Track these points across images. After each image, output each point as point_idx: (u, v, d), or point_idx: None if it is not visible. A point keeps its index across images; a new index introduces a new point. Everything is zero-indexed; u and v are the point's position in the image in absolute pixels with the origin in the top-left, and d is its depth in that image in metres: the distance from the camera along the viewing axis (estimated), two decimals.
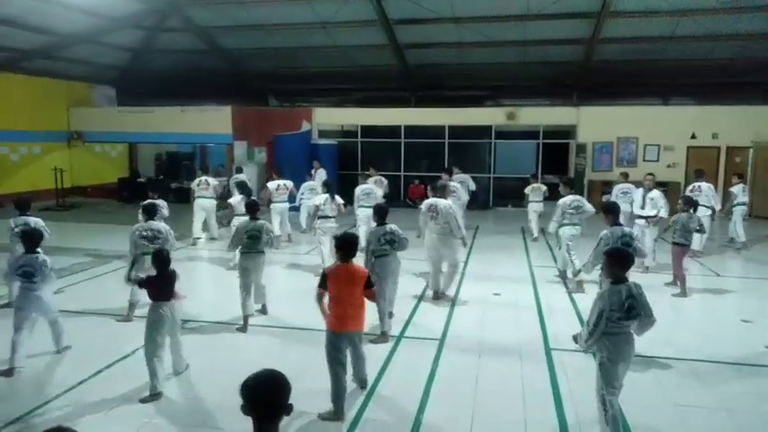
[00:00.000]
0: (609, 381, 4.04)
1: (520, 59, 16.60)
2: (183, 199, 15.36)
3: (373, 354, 5.83)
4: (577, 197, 8.90)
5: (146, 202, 8.04)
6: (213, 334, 6.65)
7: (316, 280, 8.53)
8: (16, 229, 6.96)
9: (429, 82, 18.61)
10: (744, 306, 7.74)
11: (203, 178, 11.88)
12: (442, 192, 8.31)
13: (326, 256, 9.37)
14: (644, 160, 16.50)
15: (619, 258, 4.21)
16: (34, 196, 12.53)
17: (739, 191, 11.48)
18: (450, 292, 8.16)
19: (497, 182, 17.77)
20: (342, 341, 4.71)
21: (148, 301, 5.14)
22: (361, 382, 5.13)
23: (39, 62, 16.36)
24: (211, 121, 16.96)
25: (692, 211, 8.47)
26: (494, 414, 4.76)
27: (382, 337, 6.30)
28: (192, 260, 10.44)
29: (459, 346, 6.27)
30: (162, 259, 5.14)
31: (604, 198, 13.14)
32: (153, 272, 5.20)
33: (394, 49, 16.36)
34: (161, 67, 18.43)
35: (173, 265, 5.27)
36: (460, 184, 12.18)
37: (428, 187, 9.08)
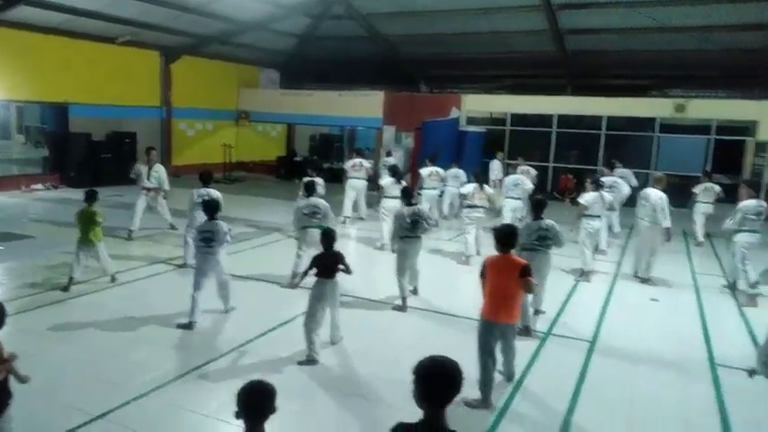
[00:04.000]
0: None
1: (694, 46, 15.11)
2: (332, 179, 16.16)
3: (520, 348, 5.76)
4: (762, 202, 8.01)
5: (306, 179, 8.59)
6: (366, 310, 6.98)
7: (461, 267, 8.88)
8: (198, 200, 7.75)
9: (587, 70, 17.64)
10: None
11: (358, 160, 12.39)
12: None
13: (471, 245, 9.38)
14: None
15: None
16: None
17: None
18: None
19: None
20: (493, 330, 4.71)
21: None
22: (509, 375, 5.10)
23: (215, 47, 18.00)
24: (364, 105, 17.59)
25: None
26: (650, 426, 4.50)
27: (525, 331, 6.19)
28: (342, 238, 10.94)
29: (611, 350, 5.98)
30: (329, 238, 5.48)
31: None
32: (316, 248, 5.56)
33: (554, 34, 15.71)
34: (322, 53, 19.41)
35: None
36: (621, 179, 11.49)
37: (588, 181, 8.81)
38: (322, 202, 7.72)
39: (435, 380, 2.35)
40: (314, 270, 5.45)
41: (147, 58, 16.92)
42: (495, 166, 14.96)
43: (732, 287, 8.23)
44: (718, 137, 15.84)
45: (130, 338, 5.81)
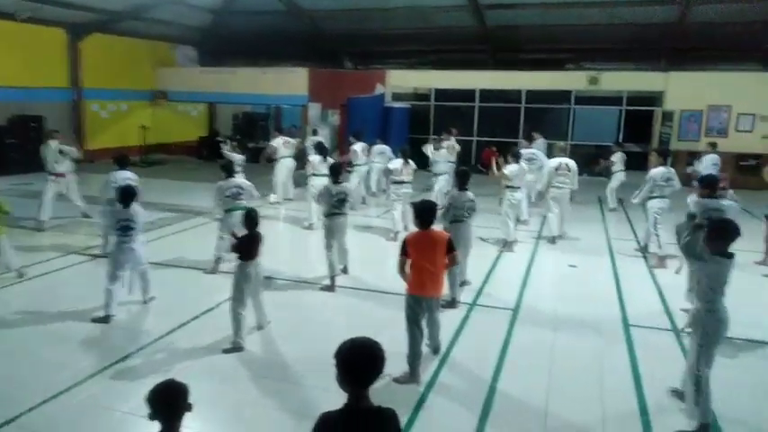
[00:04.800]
0: (708, 360, 3.98)
1: (606, 21, 15.67)
2: (258, 159, 15.77)
3: (445, 320, 5.88)
4: (670, 169, 8.48)
5: (222, 160, 8.30)
6: (293, 291, 6.91)
7: (389, 244, 8.93)
8: (114, 185, 7.35)
9: (508, 44, 17.99)
10: None
11: (287, 139, 12.20)
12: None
13: (398, 221, 9.46)
14: (736, 130, 15.44)
15: (722, 231, 4.00)
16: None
17: None
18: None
19: (575, 149, 17.10)
20: (421, 304, 4.77)
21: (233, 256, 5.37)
22: (435, 348, 5.19)
23: (127, 23, 17.00)
24: (288, 82, 17.17)
25: None
26: (570, 389, 4.71)
27: (451, 303, 6.32)
28: (269, 219, 10.76)
29: (533, 317, 6.21)
30: (252, 220, 5.34)
31: (689, 169, 12.45)
32: (240, 230, 5.42)
33: (473, 9, 15.87)
34: (241, 29, 18.74)
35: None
36: (540, 152, 11.93)
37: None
38: (245, 183, 7.53)
39: (357, 362, 2.34)
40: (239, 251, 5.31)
41: (51, 35, 15.72)
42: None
43: (644, 250, 8.72)
44: (628, 107, 16.64)
45: (42, 335, 5.49)
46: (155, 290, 6.38)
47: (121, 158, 7.93)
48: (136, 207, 6.03)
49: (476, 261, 7.67)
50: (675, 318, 6.16)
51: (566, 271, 7.99)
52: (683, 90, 15.69)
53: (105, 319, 5.78)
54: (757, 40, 15.47)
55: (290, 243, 9.45)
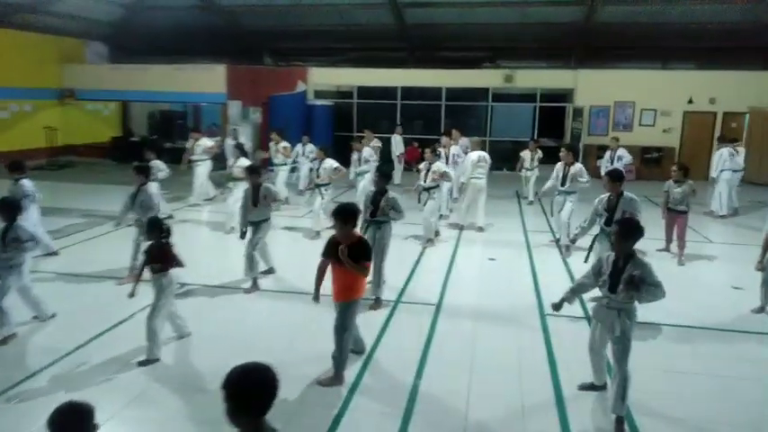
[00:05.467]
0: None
1: (519, 20, 16.27)
2: (176, 159, 15.24)
3: (369, 320, 5.93)
4: (581, 165, 8.89)
5: (138, 163, 7.93)
6: (216, 297, 6.72)
7: (311, 243, 8.87)
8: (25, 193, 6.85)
9: (427, 42, 18.30)
10: (735, 273, 7.83)
11: (205, 139, 11.85)
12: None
13: (322, 219, 9.42)
14: (640, 125, 16.45)
15: (630, 231, 4.20)
16: (26, 155, 12.38)
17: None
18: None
19: (493, 145, 17.67)
20: (353, 307, 4.73)
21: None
22: (360, 349, 5.20)
23: (28, 17, 15.91)
24: (205, 79, 16.65)
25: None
26: (490, 381, 4.85)
27: (375, 303, 6.38)
28: (190, 223, 10.44)
29: (455, 312, 6.36)
30: (155, 228, 5.13)
31: (598, 162, 13.16)
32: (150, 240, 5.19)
33: (392, 7, 16.01)
34: (154, 24, 17.99)
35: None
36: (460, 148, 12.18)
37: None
38: (153, 190, 7.28)
39: (253, 391, 2.20)
40: (149, 262, 5.10)
41: None
42: (396, 141, 15.15)
43: (558, 241, 9.13)
44: (542, 104, 17.34)
45: None
46: (65, 302, 6.03)
47: (14, 165, 7.30)
48: (18, 223, 5.49)
49: (399, 258, 7.79)
50: (588, 305, 6.47)
51: (486, 264, 8.24)
52: (592, 87, 16.54)
53: (3, 342, 5.36)
54: (657, 39, 16.54)
55: (210, 247, 9.18)
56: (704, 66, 16.80)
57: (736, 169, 11.51)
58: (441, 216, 10.57)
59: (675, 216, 8.37)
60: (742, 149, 11.79)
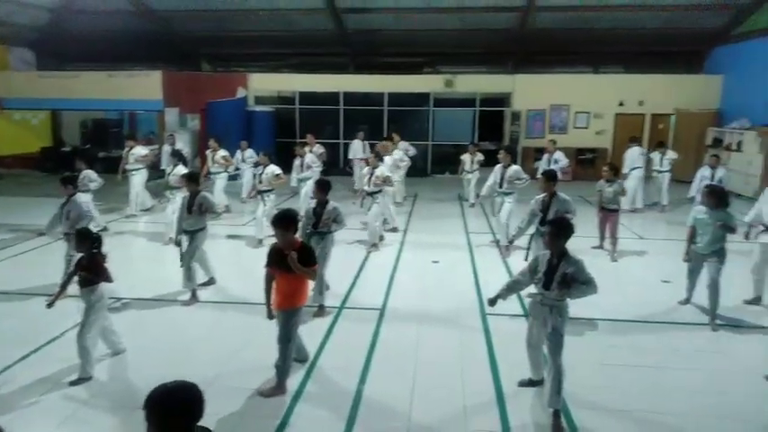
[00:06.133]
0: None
1: (457, 26, 16.58)
2: (111, 169, 14.72)
3: (313, 327, 5.89)
4: (518, 167, 9.11)
5: (65, 174, 7.58)
6: (151, 310, 6.52)
7: (253, 252, 8.73)
8: None
9: (368, 48, 18.38)
10: (664, 267, 8.19)
11: (139, 147, 11.48)
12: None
13: (264, 227, 9.28)
14: (575, 127, 17.04)
15: (562, 230, 4.33)
16: None
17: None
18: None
19: (435, 149, 17.95)
20: (298, 315, 4.70)
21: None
22: (303, 357, 5.15)
23: None
24: (140, 86, 16.16)
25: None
26: (433, 383, 4.89)
27: (320, 310, 6.34)
28: (127, 234, 10.09)
29: (399, 316, 6.39)
30: (84, 239, 4.93)
31: (536, 164, 13.54)
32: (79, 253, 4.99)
33: (332, 13, 15.99)
34: (84, 29, 17.28)
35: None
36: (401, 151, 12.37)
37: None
38: (83, 201, 7.01)
39: (175, 411, 2.14)
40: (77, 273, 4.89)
41: None
42: (356, 146, 15.01)
43: (498, 242, 9.34)
44: (482, 108, 17.72)
45: None
46: None
47: None
48: None
49: (343, 264, 7.79)
50: (525, 303, 6.65)
51: (429, 267, 8.32)
52: (529, 91, 17.02)
53: None
54: (589, 44, 17.20)
55: (148, 259, 8.90)
56: (632, 70, 17.60)
57: (662, 170, 12.17)
58: (385, 221, 10.65)
59: (608, 214, 8.72)
60: (671, 153, 12.43)
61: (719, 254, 6.19)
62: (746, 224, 6.90)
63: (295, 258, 4.43)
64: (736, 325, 6.22)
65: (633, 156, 12.14)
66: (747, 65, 15.01)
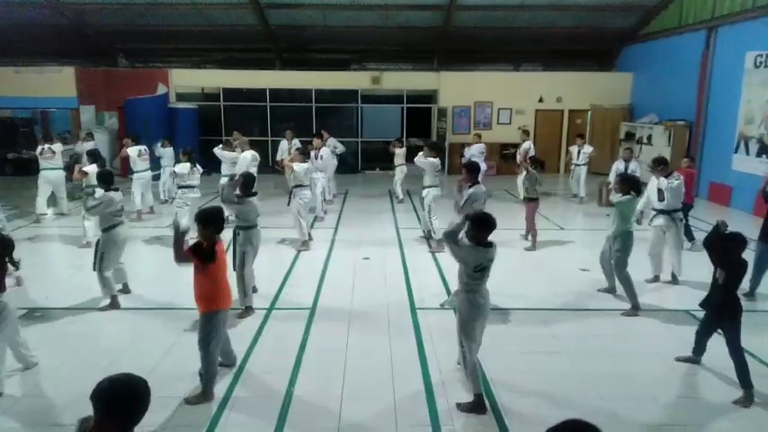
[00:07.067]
0: (468, 336, 4.38)
1: (382, 24, 16.65)
2: (22, 171, 13.94)
3: (242, 330, 5.79)
4: (435, 159, 9.27)
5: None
6: (67, 319, 6.19)
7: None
8: None
9: (293, 44, 18.18)
10: (582, 256, 8.56)
11: (46, 146, 10.83)
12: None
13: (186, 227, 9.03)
14: (498, 123, 17.54)
15: (483, 223, 4.39)
16: None
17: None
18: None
19: (365, 145, 18.02)
20: (224, 319, 4.61)
21: None
22: (231, 362, 5.05)
23: None
24: (52, 83, 15.36)
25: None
26: (363, 380, 4.91)
27: (247, 311, 6.24)
28: (39, 240, 9.53)
29: (329, 315, 6.37)
30: None
31: (464, 159, 13.85)
32: None
33: (254, 8, 15.67)
34: None
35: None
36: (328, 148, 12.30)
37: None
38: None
39: (124, 402, 2.15)
40: None
41: None
42: (284, 146, 14.64)
43: (427, 237, 9.50)
44: (409, 105, 17.93)
45: None
46: None
47: None
48: None
49: (273, 264, 7.69)
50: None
51: (360, 264, 8.34)
52: (454, 88, 17.37)
53: None
54: (509, 43, 17.75)
55: (63, 265, 8.43)
56: (550, 68, 18.31)
57: (579, 163, 12.81)
58: (315, 218, 10.63)
59: (526, 203, 9.15)
60: (588, 147, 13.09)
61: (623, 237, 6.52)
62: (639, 211, 7.38)
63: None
64: (650, 309, 6.60)
65: (530, 150, 12.54)
66: (654, 63, 15.97)
